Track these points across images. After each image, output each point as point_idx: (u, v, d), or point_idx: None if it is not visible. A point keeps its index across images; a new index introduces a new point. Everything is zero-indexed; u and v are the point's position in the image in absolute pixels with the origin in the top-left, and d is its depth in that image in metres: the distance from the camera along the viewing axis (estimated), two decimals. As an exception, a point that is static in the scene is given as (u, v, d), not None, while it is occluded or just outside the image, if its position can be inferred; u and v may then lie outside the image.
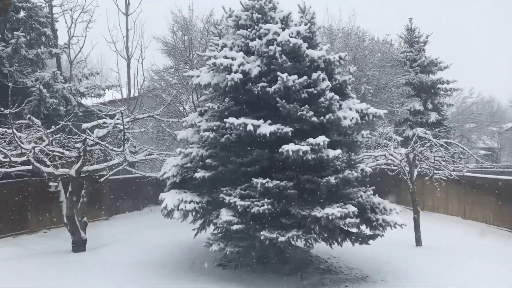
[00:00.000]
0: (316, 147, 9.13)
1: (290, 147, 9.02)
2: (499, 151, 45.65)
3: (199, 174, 10.07)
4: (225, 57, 10.17)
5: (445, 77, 31.59)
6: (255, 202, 9.18)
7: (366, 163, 14.95)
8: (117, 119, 12.79)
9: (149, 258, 11.92)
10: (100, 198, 17.85)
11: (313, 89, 9.81)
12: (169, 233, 14.22)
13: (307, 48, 10.16)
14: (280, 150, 9.14)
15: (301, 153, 8.96)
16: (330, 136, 9.90)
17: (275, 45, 9.90)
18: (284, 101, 9.51)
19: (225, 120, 9.67)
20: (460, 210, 18.15)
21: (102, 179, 14.13)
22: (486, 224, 16.59)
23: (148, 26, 26.71)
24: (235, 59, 10.03)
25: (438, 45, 34.71)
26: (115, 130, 13.43)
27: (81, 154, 12.28)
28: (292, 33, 10.02)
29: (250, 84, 9.96)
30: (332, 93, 9.93)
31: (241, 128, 9.44)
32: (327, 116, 9.62)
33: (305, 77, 9.64)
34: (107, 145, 12.64)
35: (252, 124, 9.40)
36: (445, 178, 15.42)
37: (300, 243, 10.03)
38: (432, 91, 31.57)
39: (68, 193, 12.76)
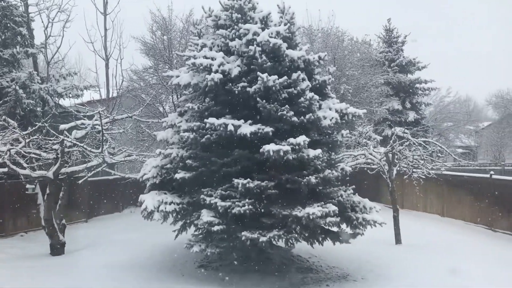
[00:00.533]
0: (297, 147, 9.15)
1: (271, 147, 9.03)
2: (476, 149, 46.55)
3: (180, 175, 10.00)
4: (205, 57, 10.12)
5: (423, 76, 32.08)
6: (236, 203, 9.17)
7: (346, 162, 15.02)
8: (96, 120, 12.62)
9: (129, 260, 11.79)
10: (78, 200, 17.56)
11: (293, 89, 9.83)
12: (150, 234, 14.08)
13: (287, 48, 10.18)
14: (261, 150, 9.14)
15: (281, 153, 8.97)
16: (311, 136, 9.95)
17: (255, 45, 9.88)
18: (264, 101, 9.51)
19: (205, 120, 9.62)
20: (438, 208, 18.43)
21: (80, 181, 13.93)
22: (464, 221, 16.88)
23: (126, 26, 26.54)
24: (215, 59, 9.99)
25: (416, 45, 35.20)
26: (93, 131, 13.26)
27: (59, 155, 12.07)
28: (271, 33, 10.02)
29: (230, 84, 9.93)
30: (312, 93, 9.97)
31: (221, 129, 9.41)
32: (307, 116, 9.66)
33: (285, 77, 9.65)
34: (85, 146, 12.47)
35: (232, 124, 9.37)
36: (423, 177, 15.62)
37: (282, 243, 10.06)
38: (411, 90, 31.99)
39: (45, 195, 12.54)
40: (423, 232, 15.45)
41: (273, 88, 9.54)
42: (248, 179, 9.23)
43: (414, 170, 15.51)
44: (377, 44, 32.58)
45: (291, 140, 9.23)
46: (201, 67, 9.99)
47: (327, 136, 10.70)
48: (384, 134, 28.44)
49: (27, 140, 11.95)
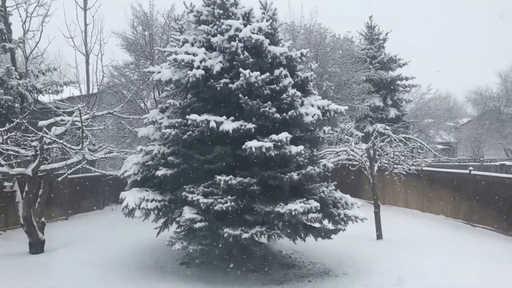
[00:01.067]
0: (279, 144, 9.16)
1: (253, 144, 9.02)
2: (456, 146, 47.25)
3: (161, 172, 9.93)
4: (187, 53, 10.04)
5: (404, 73, 32.35)
6: (219, 200, 9.14)
7: (328, 158, 15.15)
8: (75, 116, 12.44)
9: (110, 258, 11.67)
10: (58, 198, 17.30)
11: (275, 85, 9.84)
12: (131, 232, 13.96)
13: (269, 44, 10.17)
14: (243, 146, 9.12)
15: (264, 150, 8.97)
16: (293, 133, 9.97)
17: (237, 41, 9.84)
18: (246, 97, 9.48)
19: (187, 116, 9.56)
20: (419, 203, 18.66)
21: (60, 178, 13.72)
22: (444, 216, 17.13)
23: (107, 21, 26.28)
24: (197, 55, 9.93)
25: (397, 40, 35.42)
26: (73, 128, 13.07)
27: (38, 152, 11.86)
28: (254, 29, 9.99)
29: (213, 80, 9.88)
30: (294, 90, 9.98)
31: (203, 125, 9.36)
32: (289, 113, 9.67)
33: (268, 73, 9.65)
34: (65, 143, 12.26)
35: (214, 121, 9.33)
36: (404, 173, 15.80)
37: (264, 239, 10.07)
38: (392, 87, 32.26)
39: (24, 193, 12.32)
40: (404, 227, 15.62)
41: (256, 84, 9.52)
42: (231, 176, 9.20)
43: (395, 166, 15.68)
44: (359, 41, 32.83)
45: (274, 136, 9.23)
46: (183, 63, 9.91)
47: (309, 133, 10.74)
48: (365, 130, 28.65)
49: (5, 137, 11.73)
